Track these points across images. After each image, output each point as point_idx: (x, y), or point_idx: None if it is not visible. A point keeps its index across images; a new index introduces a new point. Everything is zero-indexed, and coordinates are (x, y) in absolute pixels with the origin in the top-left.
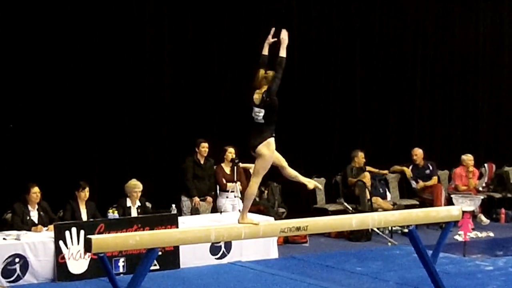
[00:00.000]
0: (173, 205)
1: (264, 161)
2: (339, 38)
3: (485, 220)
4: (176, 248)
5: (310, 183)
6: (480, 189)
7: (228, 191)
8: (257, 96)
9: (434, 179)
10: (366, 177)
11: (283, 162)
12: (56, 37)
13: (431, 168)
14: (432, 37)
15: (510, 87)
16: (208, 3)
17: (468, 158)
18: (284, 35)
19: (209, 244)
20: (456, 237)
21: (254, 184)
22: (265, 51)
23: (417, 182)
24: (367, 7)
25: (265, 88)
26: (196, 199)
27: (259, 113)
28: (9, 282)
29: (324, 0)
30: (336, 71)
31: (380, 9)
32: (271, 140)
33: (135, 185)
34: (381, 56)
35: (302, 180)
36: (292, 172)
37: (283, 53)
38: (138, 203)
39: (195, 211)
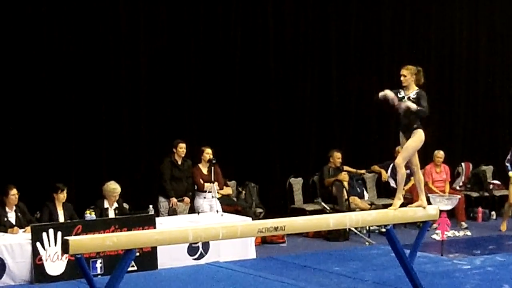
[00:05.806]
0: (151, 206)
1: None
2: (315, 38)
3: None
4: (154, 249)
5: None
6: (458, 188)
7: (205, 192)
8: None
9: (412, 180)
10: (344, 177)
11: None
12: (28, 38)
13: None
14: (408, 37)
15: (487, 86)
16: (184, 4)
17: (437, 154)
18: None
19: (187, 244)
20: (434, 236)
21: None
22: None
23: (395, 182)
24: (343, 7)
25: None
26: (174, 199)
27: None
28: None
29: (299, 1)
30: (313, 71)
31: (356, 8)
32: None
33: (114, 189)
34: (358, 56)
35: None
36: None
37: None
38: (115, 204)
39: (172, 211)
